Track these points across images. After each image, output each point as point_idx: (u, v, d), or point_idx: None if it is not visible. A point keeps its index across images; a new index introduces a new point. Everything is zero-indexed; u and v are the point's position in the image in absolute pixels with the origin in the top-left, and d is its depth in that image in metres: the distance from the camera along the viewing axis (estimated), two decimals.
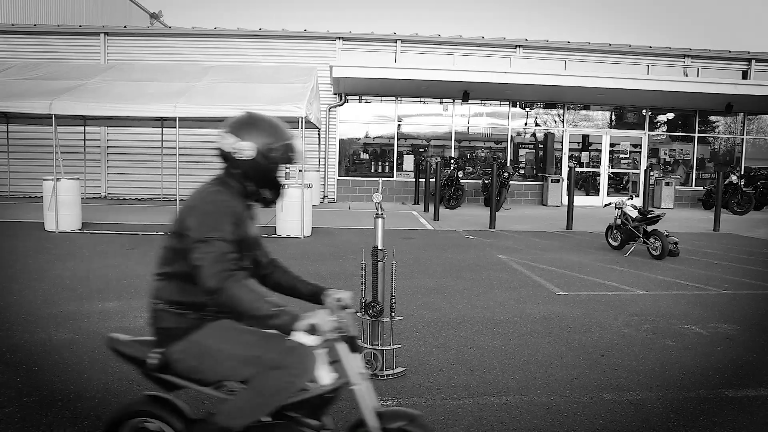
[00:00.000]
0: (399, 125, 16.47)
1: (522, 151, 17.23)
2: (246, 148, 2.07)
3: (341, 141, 16.34)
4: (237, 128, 2.10)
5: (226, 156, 2.12)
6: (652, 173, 15.71)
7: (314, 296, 2.25)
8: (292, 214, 9.42)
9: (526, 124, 17.09)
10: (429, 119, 16.74)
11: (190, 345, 2.04)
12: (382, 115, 16.53)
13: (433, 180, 12.75)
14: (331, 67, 13.59)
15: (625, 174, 17.35)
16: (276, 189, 2.21)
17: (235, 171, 2.12)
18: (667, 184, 16.30)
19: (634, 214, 8.56)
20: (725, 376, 3.78)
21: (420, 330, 4.63)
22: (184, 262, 1.97)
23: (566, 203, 12.03)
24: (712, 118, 17.74)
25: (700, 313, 5.35)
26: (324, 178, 15.78)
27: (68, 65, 12.34)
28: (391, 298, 3.76)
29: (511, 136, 16.80)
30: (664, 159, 17.65)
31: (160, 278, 2.10)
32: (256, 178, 2.12)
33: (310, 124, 11.37)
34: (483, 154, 17.06)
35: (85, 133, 14.15)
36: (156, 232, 9.48)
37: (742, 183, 15.29)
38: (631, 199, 9.64)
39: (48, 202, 9.41)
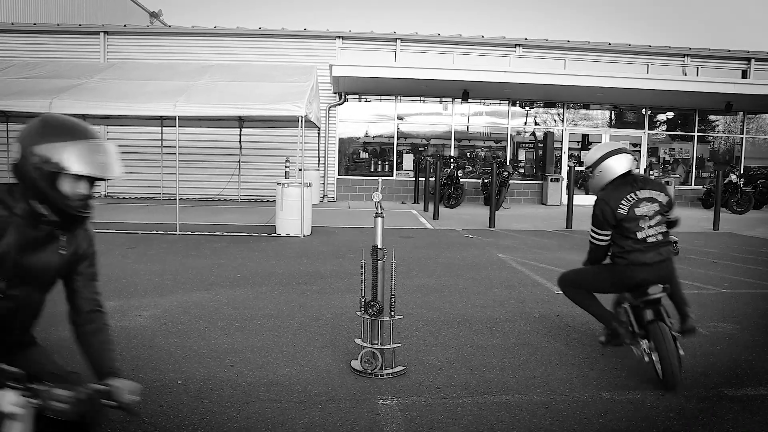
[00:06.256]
0: (399, 124, 16.47)
1: (522, 151, 17.23)
2: (13, 150, 1.72)
3: (341, 140, 16.35)
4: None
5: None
6: (651, 172, 15.69)
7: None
8: (292, 213, 9.42)
9: (525, 123, 17.09)
10: (429, 118, 16.74)
11: None
12: (381, 114, 16.53)
13: (433, 179, 12.75)
14: (330, 66, 13.59)
15: None
16: (52, 205, 1.74)
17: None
18: (667, 183, 16.27)
19: None
20: (724, 375, 3.79)
21: (420, 329, 4.64)
22: None
23: (566, 202, 12.03)
24: (712, 117, 17.75)
25: (699, 312, 5.36)
26: (324, 177, 15.79)
27: (68, 64, 12.34)
28: (391, 297, 3.76)
29: (511, 135, 16.81)
30: (664, 158, 17.65)
31: None
32: (26, 187, 1.72)
33: (309, 123, 11.36)
34: (483, 153, 17.07)
35: None
36: (156, 231, 9.48)
37: (742, 182, 15.30)
38: None
39: None
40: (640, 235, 3.58)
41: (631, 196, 3.59)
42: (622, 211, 3.57)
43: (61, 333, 4.31)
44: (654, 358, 3.51)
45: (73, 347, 3.97)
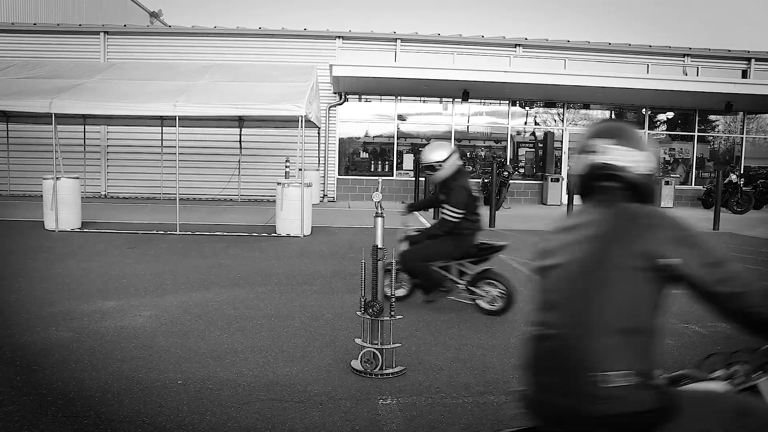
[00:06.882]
0: (399, 124, 16.46)
1: (522, 150, 17.23)
2: (647, 161, 1.65)
3: (341, 140, 16.34)
4: (627, 137, 1.66)
5: (618, 174, 1.63)
6: None
7: None
8: (292, 213, 9.41)
9: (525, 123, 17.09)
10: (429, 118, 16.74)
11: None
12: (381, 114, 16.52)
13: None
14: (330, 66, 13.58)
15: None
16: None
17: (631, 193, 1.64)
18: (667, 183, 16.28)
19: None
20: None
21: (420, 329, 4.64)
22: (652, 308, 1.52)
23: (566, 202, 12.03)
24: (712, 117, 17.74)
25: (699, 311, 5.35)
26: (324, 177, 15.78)
27: (68, 64, 12.34)
28: (391, 297, 3.76)
29: (511, 135, 16.80)
30: (664, 158, 17.64)
31: (612, 336, 1.45)
32: (649, 201, 1.68)
33: (310, 123, 11.37)
34: (483, 153, 17.06)
35: (84, 131, 14.15)
36: (156, 231, 9.47)
37: (742, 182, 15.30)
38: None
39: (48, 201, 9.41)
40: (479, 210, 4.99)
41: (471, 183, 4.98)
42: (476, 194, 4.92)
43: (61, 333, 4.32)
44: (494, 293, 4.97)
45: (73, 347, 3.98)
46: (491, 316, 4.97)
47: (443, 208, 4.90)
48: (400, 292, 5.30)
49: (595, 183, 1.66)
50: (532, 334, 1.61)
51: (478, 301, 5.06)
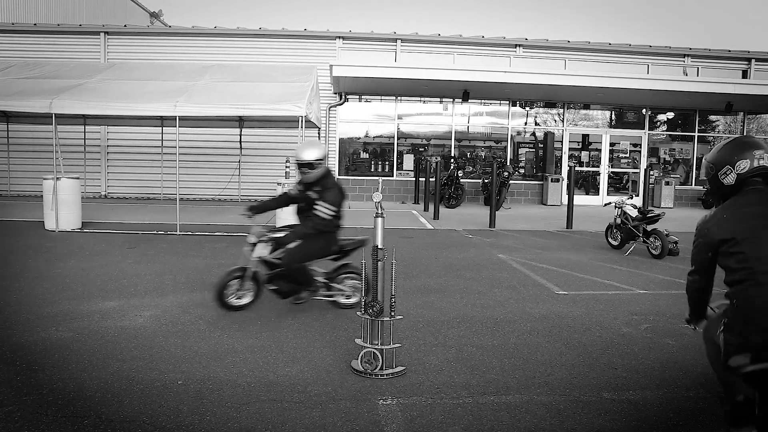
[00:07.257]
0: (399, 124, 16.46)
1: (522, 151, 17.23)
2: None
3: (341, 140, 16.34)
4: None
5: None
6: (651, 172, 15.70)
7: None
8: (292, 214, 9.40)
9: (526, 123, 17.08)
10: (429, 118, 16.74)
11: None
12: (382, 114, 16.52)
13: (433, 179, 12.75)
14: (331, 66, 13.58)
15: (625, 173, 17.36)
16: None
17: None
18: (667, 183, 16.29)
19: (634, 213, 8.56)
20: None
21: (420, 329, 4.64)
22: None
23: (566, 202, 12.03)
24: (712, 117, 17.75)
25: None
26: None
27: (68, 64, 12.33)
28: (391, 297, 3.77)
29: (511, 135, 16.80)
30: (664, 158, 17.65)
31: None
32: None
33: (310, 124, 11.36)
34: (483, 154, 17.06)
35: (85, 132, 14.15)
36: (156, 231, 9.47)
37: None
38: (631, 198, 9.64)
39: (48, 201, 9.41)
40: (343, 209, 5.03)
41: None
42: (344, 192, 4.99)
43: (61, 333, 4.32)
44: (353, 287, 5.11)
45: (73, 347, 3.98)
46: (348, 309, 5.04)
47: (317, 206, 4.81)
48: (246, 300, 5.07)
49: (753, 179, 2.44)
50: (758, 279, 2.27)
51: (335, 298, 5.12)
